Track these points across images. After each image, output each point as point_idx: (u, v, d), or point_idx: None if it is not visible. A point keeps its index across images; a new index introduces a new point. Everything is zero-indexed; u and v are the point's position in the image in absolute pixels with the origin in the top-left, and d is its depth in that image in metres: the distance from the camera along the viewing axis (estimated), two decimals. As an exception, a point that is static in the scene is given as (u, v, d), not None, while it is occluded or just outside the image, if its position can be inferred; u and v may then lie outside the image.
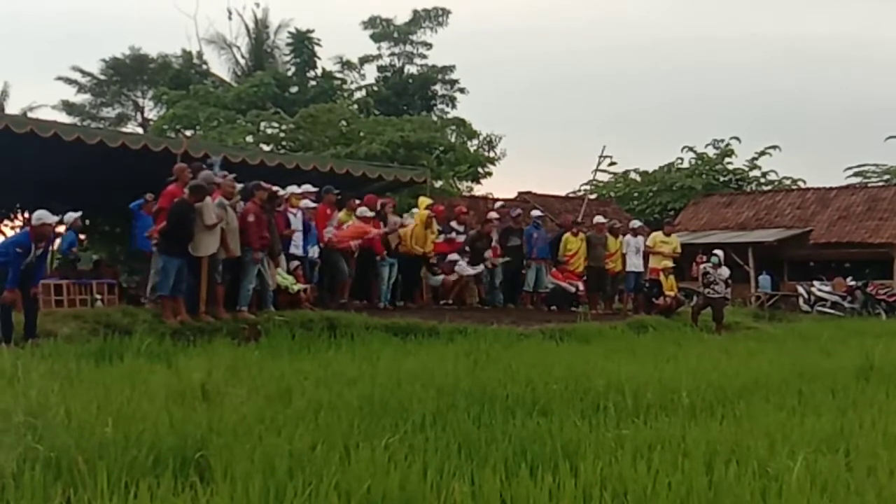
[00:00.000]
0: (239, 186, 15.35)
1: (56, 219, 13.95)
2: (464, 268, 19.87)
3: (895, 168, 48.87)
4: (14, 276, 12.23)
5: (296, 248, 16.75)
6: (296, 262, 16.66)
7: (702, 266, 21.05)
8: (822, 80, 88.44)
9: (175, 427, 6.27)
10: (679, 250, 22.42)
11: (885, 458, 5.93)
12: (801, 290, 33.06)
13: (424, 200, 19.64)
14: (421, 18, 45.80)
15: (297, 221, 16.77)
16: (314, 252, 16.98)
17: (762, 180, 49.29)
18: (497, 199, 30.90)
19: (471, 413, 7.22)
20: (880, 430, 6.98)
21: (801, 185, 46.59)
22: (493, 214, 21.31)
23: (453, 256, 19.92)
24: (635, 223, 23.25)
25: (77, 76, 50.16)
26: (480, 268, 20.06)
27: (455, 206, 21.12)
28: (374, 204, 18.44)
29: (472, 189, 40.54)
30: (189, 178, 14.61)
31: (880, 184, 45.33)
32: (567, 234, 21.39)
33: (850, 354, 12.75)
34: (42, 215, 12.96)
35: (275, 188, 15.90)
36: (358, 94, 46.40)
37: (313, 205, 17.03)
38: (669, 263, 21.70)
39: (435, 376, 9.33)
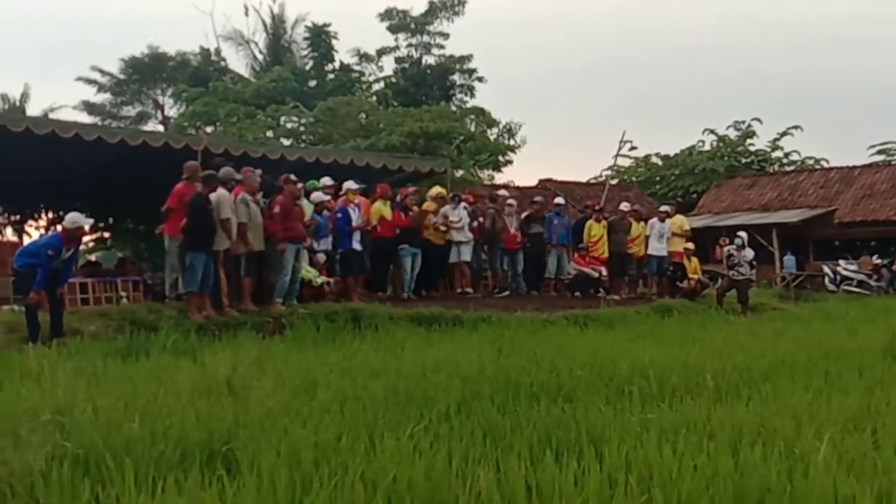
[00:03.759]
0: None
1: (90, 222, 13.97)
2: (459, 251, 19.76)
3: (919, 145, 48.46)
4: (42, 277, 12.29)
5: (358, 242, 17.13)
6: (322, 256, 16.75)
7: (726, 248, 21.00)
8: (843, 59, 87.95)
9: (201, 421, 6.30)
10: (686, 227, 22.48)
11: (913, 435, 5.89)
12: (826, 269, 32.87)
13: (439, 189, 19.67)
14: (437, 9, 45.60)
15: (356, 216, 17.15)
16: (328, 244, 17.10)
17: (784, 161, 49.07)
18: (517, 188, 30.87)
19: (495, 401, 7.22)
20: (907, 407, 6.94)
21: (824, 164, 46.36)
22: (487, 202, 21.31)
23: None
24: (665, 207, 23.14)
25: (97, 76, 50.50)
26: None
27: (464, 196, 20.98)
28: (387, 192, 18.47)
29: (493, 178, 40.45)
30: (199, 176, 14.71)
31: (904, 161, 44.97)
32: (590, 221, 21.38)
33: (877, 333, 12.67)
34: (76, 218, 13.06)
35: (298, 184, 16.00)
36: (376, 87, 46.36)
37: (327, 197, 17.07)
38: (690, 245, 21.66)
39: (459, 365, 9.34)
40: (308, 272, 16.07)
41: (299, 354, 10.84)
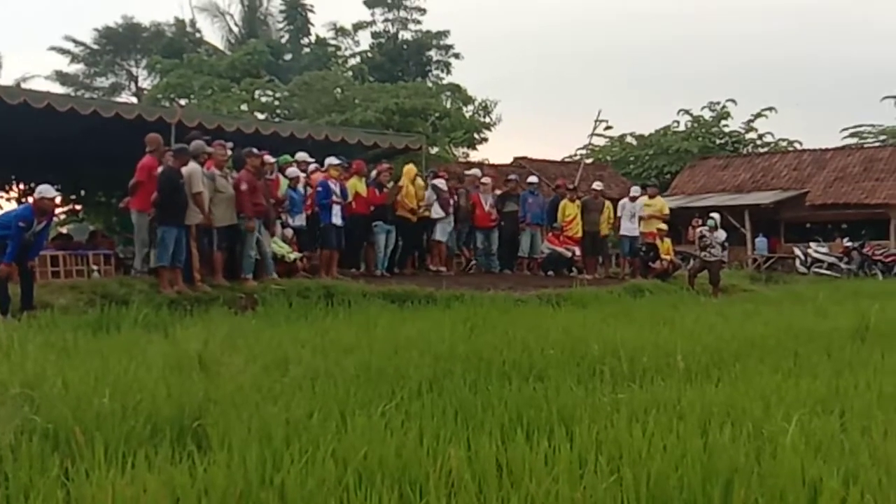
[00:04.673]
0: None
1: (56, 193, 13.89)
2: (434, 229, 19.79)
3: (891, 128, 48.79)
4: (13, 249, 12.23)
5: (336, 216, 17.07)
6: (290, 231, 16.71)
7: (698, 229, 21.08)
8: (817, 42, 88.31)
9: (172, 397, 6.28)
10: (666, 211, 22.50)
11: (880, 418, 5.93)
12: (797, 251, 33.09)
13: (411, 168, 19.55)
14: (414, -17, 45.56)
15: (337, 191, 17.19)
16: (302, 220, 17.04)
17: (758, 142, 49.32)
18: (492, 165, 30.88)
19: (467, 379, 7.22)
20: (875, 390, 6.98)
21: (798, 146, 46.68)
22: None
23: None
24: (636, 190, 23.18)
25: (70, 46, 49.98)
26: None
27: (440, 172, 20.91)
28: (363, 170, 18.42)
29: (467, 155, 40.47)
30: (164, 148, 14.65)
31: (877, 144, 45.29)
32: (564, 200, 21.39)
33: (846, 315, 12.75)
34: (43, 190, 12.99)
35: (267, 157, 15.94)
36: (352, 61, 46.21)
37: (302, 174, 17.09)
38: (663, 226, 21.75)
39: (431, 343, 9.34)
40: (280, 248, 16.03)
41: (271, 330, 10.83)
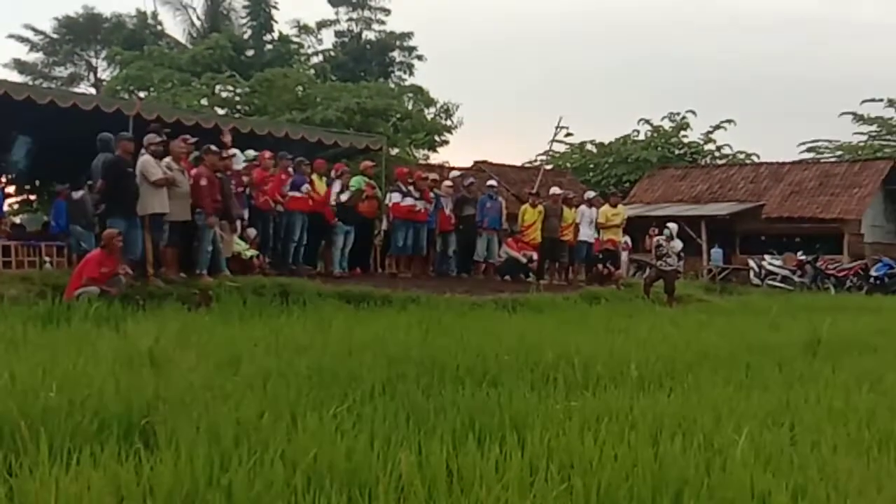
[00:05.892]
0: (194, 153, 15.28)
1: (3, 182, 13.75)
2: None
3: (847, 144, 49.37)
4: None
5: None
6: (253, 231, 16.62)
7: (655, 238, 21.15)
8: (777, 57, 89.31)
9: (121, 393, 6.19)
10: (624, 217, 22.73)
11: (829, 432, 5.99)
12: (752, 263, 33.38)
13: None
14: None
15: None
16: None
17: (716, 154, 49.79)
18: (453, 168, 30.86)
19: (420, 383, 7.20)
20: (825, 404, 7.05)
21: (755, 159, 47.13)
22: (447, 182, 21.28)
23: None
24: (590, 194, 23.33)
25: (29, 34, 49.44)
26: None
27: (414, 172, 20.92)
28: (323, 168, 18.37)
29: (428, 157, 40.44)
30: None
31: (832, 160, 45.85)
32: (525, 206, 21.42)
33: (798, 329, 12.87)
34: None
35: (231, 151, 15.88)
36: (315, 59, 46.11)
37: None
38: (622, 238, 21.89)
39: (386, 345, 9.31)
40: (237, 244, 15.92)
41: (224, 328, 10.75)
